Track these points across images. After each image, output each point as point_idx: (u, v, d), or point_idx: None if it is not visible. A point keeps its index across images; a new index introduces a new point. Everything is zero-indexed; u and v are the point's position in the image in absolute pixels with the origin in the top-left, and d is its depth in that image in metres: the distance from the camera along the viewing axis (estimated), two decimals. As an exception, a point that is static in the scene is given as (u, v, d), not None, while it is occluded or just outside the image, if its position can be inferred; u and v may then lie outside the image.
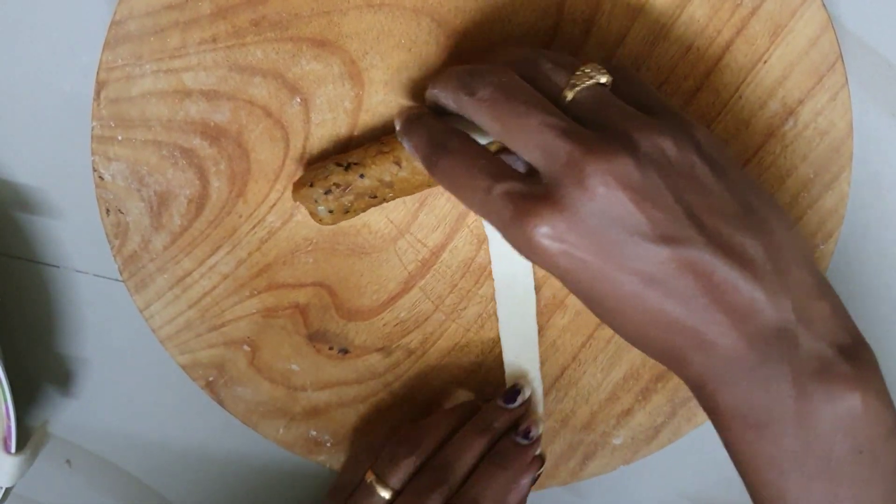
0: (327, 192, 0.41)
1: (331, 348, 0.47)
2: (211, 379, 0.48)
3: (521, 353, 0.45)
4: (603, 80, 0.33)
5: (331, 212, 0.42)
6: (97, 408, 0.53)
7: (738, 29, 0.42)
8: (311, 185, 0.41)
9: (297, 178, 0.44)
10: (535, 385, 0.45)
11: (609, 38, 0.42)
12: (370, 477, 0.43)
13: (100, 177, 0.45)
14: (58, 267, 0.51)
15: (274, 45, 0.43)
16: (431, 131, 0.37)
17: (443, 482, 0.42)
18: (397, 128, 0.40)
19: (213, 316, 0.47)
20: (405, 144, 0.39)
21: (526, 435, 0.44)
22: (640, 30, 0.42)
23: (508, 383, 0.46)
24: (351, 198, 0.41)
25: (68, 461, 0.55)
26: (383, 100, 0.43)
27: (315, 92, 0.43)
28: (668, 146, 0.31)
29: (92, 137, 0.44)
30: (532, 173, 0.32)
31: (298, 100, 0.43)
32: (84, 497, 0.55)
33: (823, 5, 0.42)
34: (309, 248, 0.45)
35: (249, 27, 0.42)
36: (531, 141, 0.32)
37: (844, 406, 0.30)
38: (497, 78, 0.34)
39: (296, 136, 0.44)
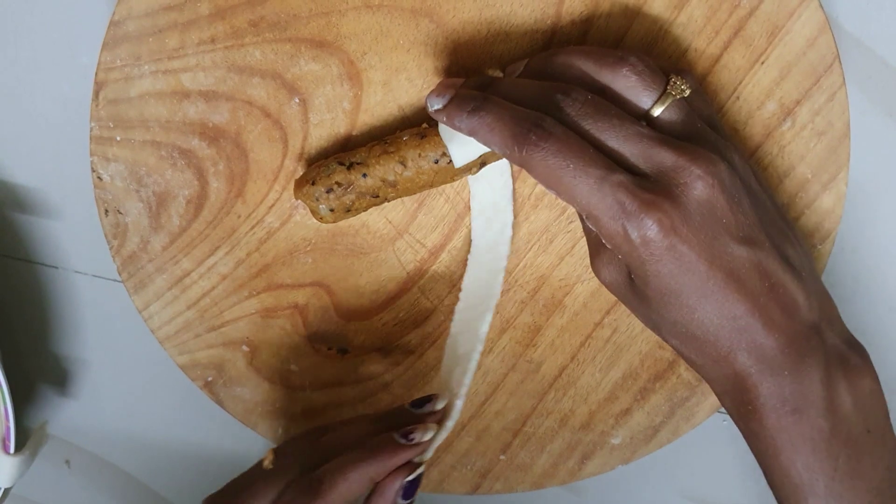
0: (329, 190, 0.41)
1: (329, 348, 0.47)
2: (210, 379, 0.48)
3: (456, 365, 0.44)
4: (689, 92, 0.36)
5: (332, 210, 0.42)
6: (96, 408, 0.54)
7: (736, 30, 0.42)
8: (314, 184, 0.41)
9: (296, 177, 0.44)
10: (457, 402, 0.43)
11: (607, 39, 0.42)
12: (268, 458, 0.43)
13: (98, 177, 0.45)
14: (56, 268, 0.51)
15: (272, 45, 0.43)
16: (517, 112, 0.35)
17: (318, 461, 0.42)
18: (436, 106, 0.38)
19: (211, 316, 0.47)
20: (461, 126, 0.37)
21: (406, 435, 0.42)
22: (639, 30, 0.42)
23: (437, 390, 0.46)
24: (353, 197, 0.41)
25: (67, 461, 0.55)
26: (382, 100, 0.43)
27: (313, 92, 0.43)
28: (738, 163, 0.36)
29: (90, 138, 0.44)
30: (633, 173, 0.35)
31: (297, 100, 0.43)
32: (83, 497, 0.55)
33: (821, 6, 0.42)
34: (307, 249, 0.46)
35: (248, 28, 0.42)
36: (633, 148, 0.34)
37: (859, 390, 0.36)
38: (584, 92, 0.35)
39: (294, 136, 0.44)
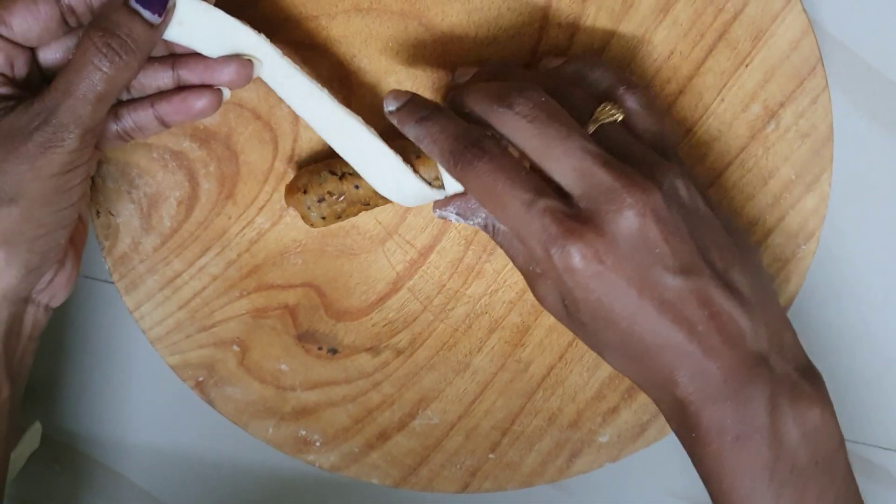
0: (321, 199, 0.42)
1: (320, 348, 0.48)
2: (201, 379, 0.48)
3: None
4: (619, 118, 0.36)
5: (323, 218, 0.42)
6: (87, 409, 0.54)
7: (721, 33, 0.42)
8: (305, 192, 0.42)
9: (287, 180, 0.44)
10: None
11: (594, 42, 0.43)
12: None
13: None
14: (48, 268, 0.51)
15: (263, 48, 0.43)
16: (460, 127, 0.36)
17: None
18: (391, 108, 0.38)
19: (202, 317, 0.47)
20: (409, 132, 0.37)
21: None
22: (625, 33, 0.42)
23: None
24: (344, 205, 0.42)
25: (58, 462, 0.55)
26: (371, 103, 0.44)
27: (304, 95, 0.43)
28: (680, 187, 0.35)
29: (82, 140, 0.44)
30: (562, 194, 0.34)
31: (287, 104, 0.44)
32: (74, 498, 0.55)
33: (804, 10, 0.42)
34: (298, 250, 0.46)
35: (238, 31, 0.43)
36: (570, 164, 0.34)
37: (808, 421, 0.35)
38: (538, 96, 0.35)
39: (284, 138, 0.44)
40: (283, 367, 0.48)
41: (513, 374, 0.48)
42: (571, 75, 0.39)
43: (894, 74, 0.45)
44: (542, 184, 0.34)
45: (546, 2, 0.42)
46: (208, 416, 0.49)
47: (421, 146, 0.37)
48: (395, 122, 0.38)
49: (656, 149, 0.37)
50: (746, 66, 0.43)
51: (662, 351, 0.35)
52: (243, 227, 0.45)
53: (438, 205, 0.39)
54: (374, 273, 0.46)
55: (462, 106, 0.37)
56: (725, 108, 0.43)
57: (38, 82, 0.38)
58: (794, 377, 0.35)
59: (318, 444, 0.49)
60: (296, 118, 0.44)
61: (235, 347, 0.48)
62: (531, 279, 0.38)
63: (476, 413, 0.48)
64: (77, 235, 0.41)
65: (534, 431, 0.48)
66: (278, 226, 0.45)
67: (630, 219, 0.33)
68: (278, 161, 0.44)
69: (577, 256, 0.33)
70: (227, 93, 0.39)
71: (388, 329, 0.47)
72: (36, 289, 0.40)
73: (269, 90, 0.43)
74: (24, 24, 0.36)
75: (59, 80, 0.35)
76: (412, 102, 0.38)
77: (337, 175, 0.41)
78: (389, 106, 0.38)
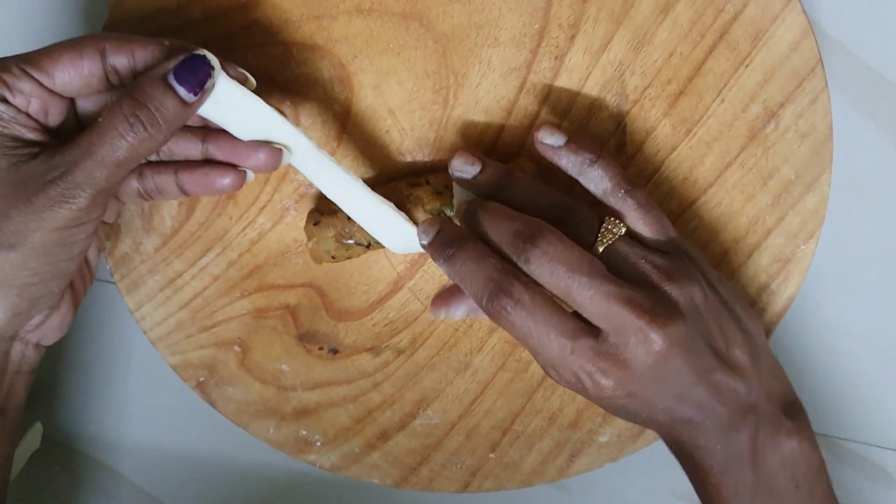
0: (339, 243, 0.43)
1: (321, 348, 0.48)
2: (202, 379, 0.48)
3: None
4: (623, 231, 0.39)
5: (333, 257, 0.44)
6: (88, 409, 0.54)
7: (721, 33, 0.43)
8: (322, 232, 0.43)
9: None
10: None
11: (595, 43, 0.43)
12: None
13: (91, 179, 0.45)
14: (49, 269, 0.51)
15: (264, 49, 0.43)
16: (488, 268, 0.37)
17: None
18: (423, 241, 0.39)
19: (203, 317, 0.47)
20: (441, 267, 0.39)
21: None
22: (625, 34, 0.43)
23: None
24: (360, 249, 0.44)
25: (59, 463, 0.55)
26: (372, 103, 0.44)
27: (304, 95, 0.44)
28: (696, 293, 0.38)
29: (83, 140, 0.44)
30: (591, 324, 0.37)
31: (288, 103, 0.44)
32: (75, 498, 0.56)
33: (804, 11, 0.42)
34: (299, 250, 0.46)
35: (240, 32, 0.43)
36: (596, 309, 0.36)
37: (785, 449, 0.39)
38: (554, 242, 0.37)
39: (286, 138, 0.44)
40: (284, 367, 0.48)
41: (513, 373, 0.48)
42: (573, 168, 0.40)
43: (893, 75, 0.45)
44: (574, 325, 0.37)
45: (547, 3, 0.42)
46: (209, 416, 0.49)
47: (456, 282, 0.38)
48: (429, 254, 0.40)
49: (662, 248, 0.40)
50: (746, 66, 0.43)
51: (677, 421, 0.39)
52: (244, 228, 0.46)
53: (441, 304, 0.45)
54: (374, 273, 0.46)
55: (478, 227, 0.38)
56: (725, 108, 0.43)
57: (72, 129, 0.38)
58: (777, 415, 0.39)
59: (318, 444, 0.49)
60: (297, 119, 0.44)
61: (236, 348, 0.48)
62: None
63: (476, 413, 0.48)
64: (78, 281, 0.42)
65: (534, 431, 0.48)
66: (279, 226, 0.45)
67: (654, 352, 0.36)
68: (279, 161, 0.44)
69: (610, 388, 0.37)
70: (251, 175, 0.40)
71: (389, 329, 0.47)
72: (24, 329, 0.40)
73: (270, 90, 0.43)
74: (66, 77, 0.36)
75: (83, 138, 0.35)
76: (440, 237, 0.39)
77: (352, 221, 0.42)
78: (422, 240, 0.40)
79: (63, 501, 0.56)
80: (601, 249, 0.38)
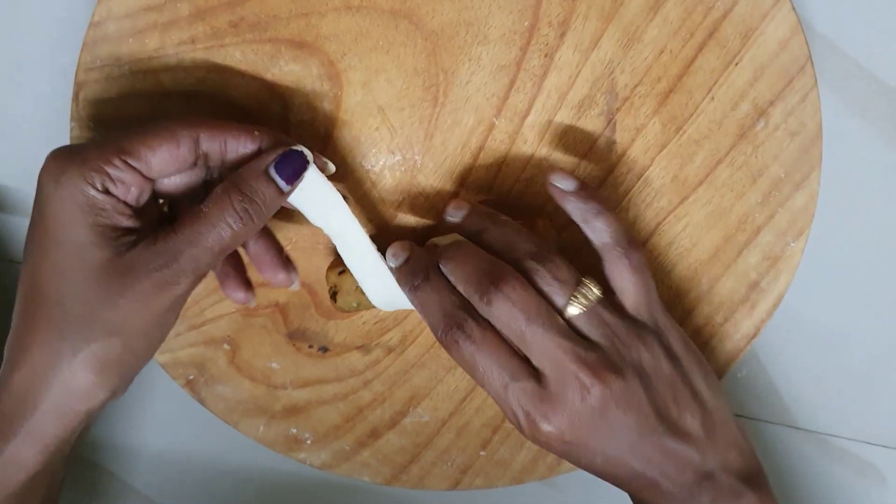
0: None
1: (310, 346, 0.48)
2: (191, 378, 0.48)
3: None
4: (597, 295, 0.40)
5: (356, 305, 0.44)
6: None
7: (711, 31, 0.43)
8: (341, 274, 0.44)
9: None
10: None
11: (584, 41, 0.43)
12: None
13: (79, 177, 0.45)
14: (37, 267, 0.50)
15: (253, 46, 0.43)
16: (446, 304, 0.39)
17: None
18: (391, 264, 0.42)
19: (193, 315, 0.47)
20: (405, 293, 0.41)
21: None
22: (615, 32, 0.43)
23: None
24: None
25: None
26: (362, 101, 0.44)
27: (294, 93, 0.43)
28: (644, 357, 0.40)
29: (70, 138, 0.44)
30: (534, 368, 0.39)
31: (277, 101, 0.44)
32: (65, 498, 0.55)
33: (794, 8, 0.42)
34: (289, 248, 0.46)
35: (228, 29, 0.43)
36: (545, 357, 0.38)
37: None
38: (517, 291, 0.39)
39: (275, 136, 0.44)
40: (274, 365, 0.48)
41: (503, 371, 0.48)
42: (578, 214, 0.41)
43: (883, 73, 0.45)
44: (518, 364, 0.39)
45: (537, 0, 0.42)
46: (199, 414, 0.49)
47: (414, 307, 0.41)
48: (397, 278, 0.42)
49: (639, 316, 0.41)
50: (736, 64, 0.43)
51: (632, 475, 0.40)
52: (233, 226, 0.45)
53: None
54: (364, 271, 0.46)
55: (448, 262, 0.40)
56: (715, 106, 0.43)
57: (150, 207, 0.40)
58: (736, 485, 0.40)
59: (308, 442, 0.49)
60: (286, 117, 0.44)
61: (226, 346, 0.48)
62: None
63: (467, 410, 0.49)
64: None
65: (524, 429, 0.49)
66: (269, 223, 0.45)
67: (594, 403, 0.38)
68: (268, 159, 0.44)
69: (545, 432, 0.39)
70: (253, 302, 0.44)
71: (379, 327, 0.47)
72: None
73: (259, 87, 0.43)
74: (162, 165, 0.38)
75: (188, 228, 0.37)
76: (407, 266, 0.41)
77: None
78: (391, 262, 0.42)
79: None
80: (575, 313, 0.39)
